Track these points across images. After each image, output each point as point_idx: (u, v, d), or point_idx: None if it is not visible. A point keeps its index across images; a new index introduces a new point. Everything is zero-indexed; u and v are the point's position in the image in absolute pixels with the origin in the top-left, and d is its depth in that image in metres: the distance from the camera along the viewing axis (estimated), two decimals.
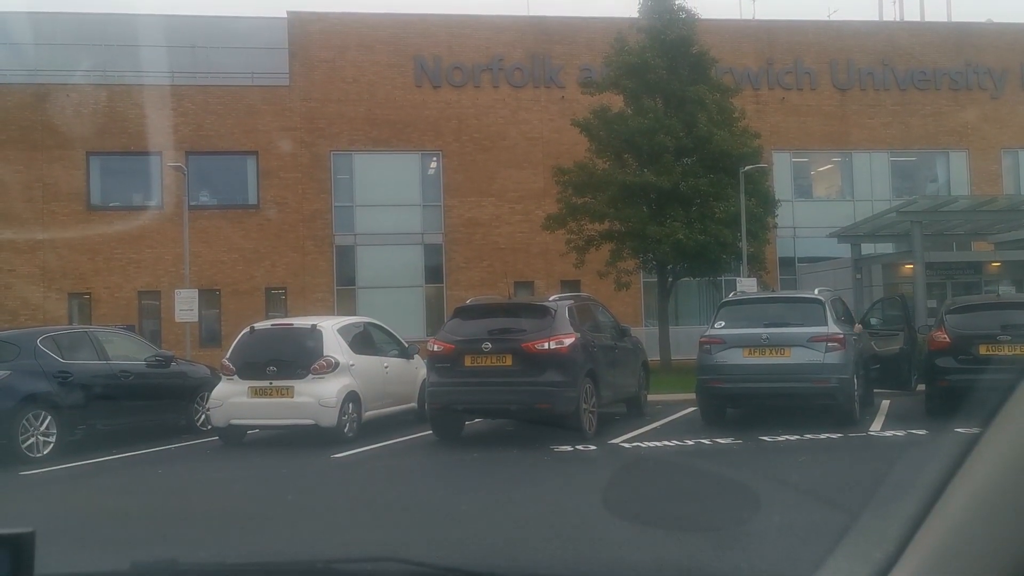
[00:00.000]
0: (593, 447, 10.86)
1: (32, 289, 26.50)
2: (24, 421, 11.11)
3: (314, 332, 12.48)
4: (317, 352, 12.18)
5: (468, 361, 11.42)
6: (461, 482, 9.56)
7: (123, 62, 26.91)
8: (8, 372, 11.24)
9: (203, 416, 13.27)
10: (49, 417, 11.37)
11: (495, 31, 28.98)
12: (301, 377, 12.01)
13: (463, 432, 12.32)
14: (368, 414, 12.59)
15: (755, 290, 20.85)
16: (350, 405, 12.16)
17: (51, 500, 9.14)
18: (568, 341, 11.39)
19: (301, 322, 13.45)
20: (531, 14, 30.64)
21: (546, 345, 11.27)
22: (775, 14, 41.85)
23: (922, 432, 11.06)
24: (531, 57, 29.26)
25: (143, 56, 26.99)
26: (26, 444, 11.06)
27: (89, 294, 26.99)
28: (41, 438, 11.25)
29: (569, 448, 10.73)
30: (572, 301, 12.65)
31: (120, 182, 28.02)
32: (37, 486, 9.80)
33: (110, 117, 26.99)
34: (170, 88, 27.52)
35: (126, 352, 13.41)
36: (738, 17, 33.30)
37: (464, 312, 12.38)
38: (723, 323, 12.71)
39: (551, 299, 12.61)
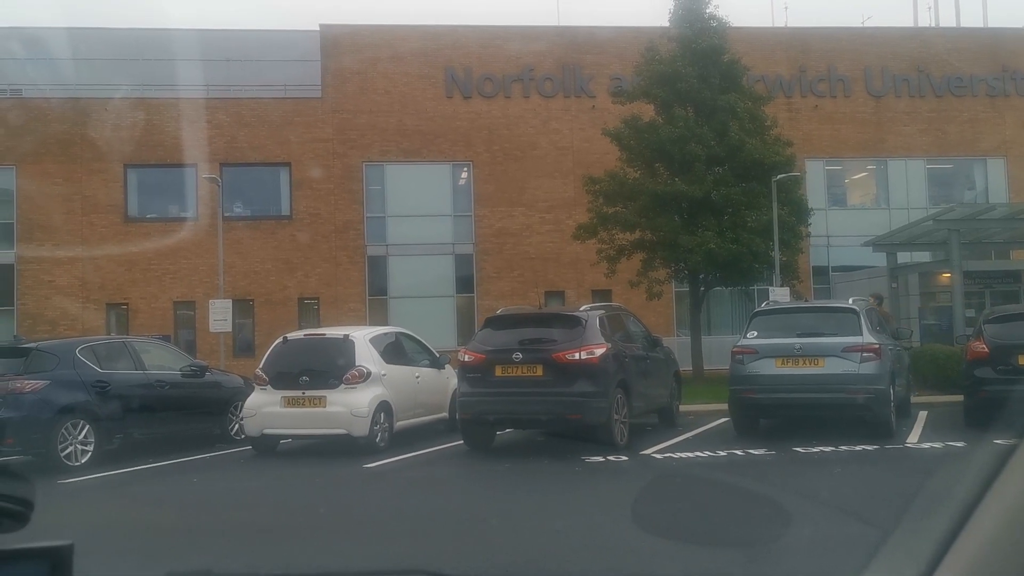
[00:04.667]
0: (624, 458, 10.81)
1: (71, 300, 26.92)
2: (63, 430, 11.29)
3: (346, 342, 12.55)
4: (349, 362, 12.24)
5: (499, 371, 11.41)
6: (492, 493, 9.56)
7: (159, 76, 27.32)
8: (48, 382, 11.42)
9: (237, 426, 13.38)
10: (87, 426, 11.54)
11: (526, 41, 29.05)
12: (333, 387, 12.07)
13: (494, 442, 12.31)
14: (400, 424, 12.63)
15: (788, 299, 20.66)
16: (382, 415, 12.21)
17: (89, 509, 9.27)
18: (599, 351, 11.36)
19: (333, 332, 13.53)
20: (562, 24, 30.66)
21: (577, 355, 11.25)
22: (808, 21, 41.62)
23: (960, 444, 10.89)
24: (562, 67, 29.30)
25: (179, 70, 27.38)
26: (65, 453, 11.23)
27: (126, 305, 27.35)
28: (79, 447, 11.41)
29: (600, 459, 10.69)
30: (603, 311, 12.62)
31: (156, 194, 28.41)
32: (75, 495, 9.94)
33: (147, 131, 27.38)
34: (205, 101, 27.87)
35: (162, 362, 13.57)
36: (770, 25, 33.08)
37: (495, 322, 12.37)
38: (756, 333, 12.61)
39: (582, 309, 12.57)
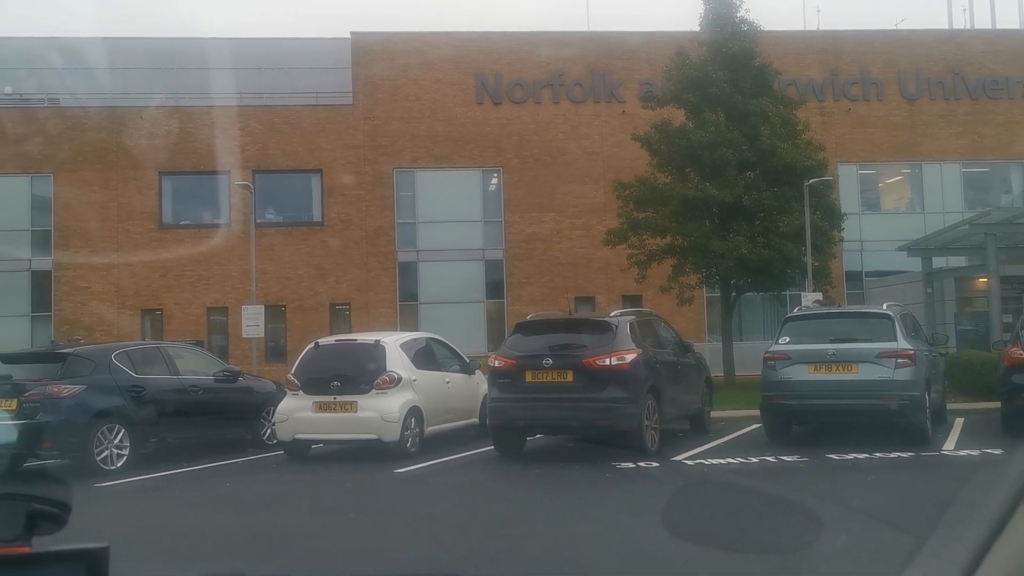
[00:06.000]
0: (655, 464, 10.76)
1: (107, 305, 27.29)
2: (99, 434, 11.43)
3: (377, 348, 12.60)
4: (380, 367, 12.29)
5: (529, 377, 11.41)
6: (522, 498, 9.55)
7: (193, 85, 27.66)
8: (84, 387, 11.58)
9: (269, 430, 13.49)
10: (123, 430, 11.68)
11: (556, 47, 29.06)
12: (364, 392, 12.13)
13: (524, 448, 12.30)
14: (430, 429, 12.65)
15: (821, 304, 20.46)
16: (412, 420, 12.24)
17: (124, 512, 9.38)
18: (630, 357, 11.32)
19: (364, 338, 13.59)
20: (591, 30, 30.65)
21: (607, 361, 11.22)
22: (840, 24, 41.26)
23: (998, 451, 10.72)
24: (592, 72, 29.28)
25: (212, 79, 27.70)
26: (101, 456, 11.37)
27: (161, 310, 27.68)
28: (115, 451, 11.56)
29: (631, 465, 10.65)
30: (633, 316, 12.59)
31: (190, 201, 28.75)
32: (111, 498, 10.06)
33: (181, 138, 27.71)
34: (238, 109, 28.18)
35: (195, 367, 13.71)
36: (802, 28, 32.83)
37: (525, 328, 12.37)
38: (788, 338, 12.50)
39: (612, 314, 12.56)
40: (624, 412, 11.10)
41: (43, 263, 27.73)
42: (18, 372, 11.77)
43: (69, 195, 27.64)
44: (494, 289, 29.03)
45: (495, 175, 29.35)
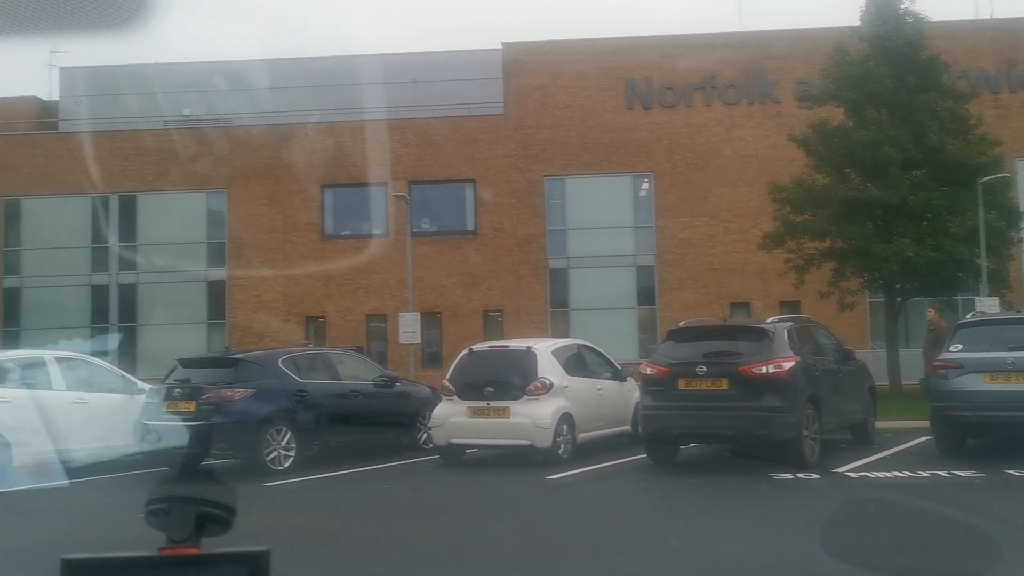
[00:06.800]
0: (816, 476, 10.36)
1: (274, 313, 28.75)
2: (267, 436, 12.03)
3: (529, 354, 12.70)
4: (532, 374, 12.38)
5: (682, 384, 11.22)
6: (674, 508, 9.39)
7: (351, 101, 28.77)
8: (254, 390, 12.21)
9: (425, 435, 13.80)
10: (289, 432, 12.23)
11: (707, 49, 28.55)
12: (517, 398, 12.24)
13: (678, 456, 12.11)
14: (582, 436, 12.63)
15: (997, 310, 19.18)
16: (564, 427, 12.26)
17: (291, 511, 9.84)
18: (787, 365, 10.96)
19: (516, 344, 13.73)
20: (744, 30, 29.92)
21: (764, 369, 10.90)
22: (1016, 12, 38.55)
23: None
24: (745, 73, 28.58)
25: (368, 94, 28.74)
26: (269, 457, 11.95)
27: (323, 318, 28.91)
28: (282, 452, 12.12)
29: (790, 476, 10.29)
30: (791, 323, 12.19)
31: (350, 213, 29.90)
32: (280, 498, 10.57)
33: (340, 152, 28.87)
34: (393, 123, 29.13)
35: (355, 372, 14.21)
36: (973, 17, 30.89)
37: (678, 334, 12.19)
38: (960, 346, 11.77)
39: (769, 321, 12.21)
40: (782, 421, 10.75)
41: (218, 274, 29.50)
42: (195, 376, 12.55)
43: (240, 209, 29.32)
44: (645, 295, 28.76)
45: (646, 180, 29.09)
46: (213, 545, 0.99)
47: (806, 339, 12.14)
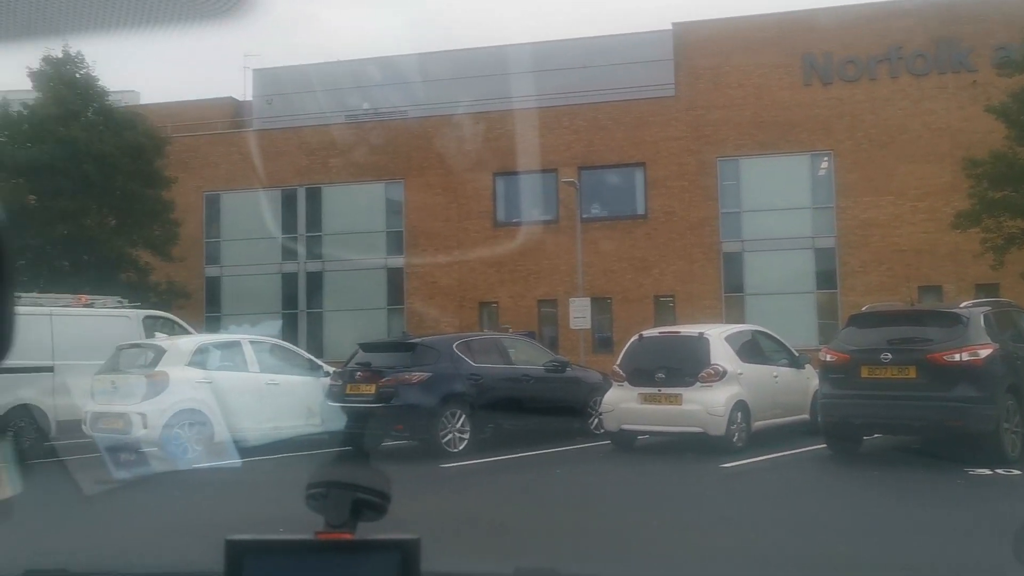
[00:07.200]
0: (1017, 472, 9.62)
1: (449, 299, 29.56)
2: (443, 419, 12.38)
3: (701, 340, 12.47)
4: (704, 360, 12.15)
5: (865, 372, 10.70)
6: (856, 503, 8.96)
7: (521, 89, 29.05)
8: (431, 374, 12.60)
9: (596, 420, 13.81)
10: (464, 415, 12.54)
11: (892, 18, 26.95)
12: (689, 385, 12.05)
13: (860, 447, 11.56)
14: (757, 424, 12.30)
15: None
16: (739, 414, 11.98)
17: (465, 492, 10.09)
18: (984, 352, 10.25)
19: (688, 330, 13.50)
20: None
21: (958, 356, 10.23)
22: None
23: None
24: (935, 42, 26.78)
25: (538, 81, 28.94)
26: (444, 440, 12.30)
27: (496, 303, 29.46)
28: (457, 435, 12.44)
29: (987, 472, 9.61)
30: (989, 307, 11.38)
31: (521, 199, 30.25)
32: (454, 478, 10.86)
33: (511, 140, 29.23)
34: (563, 109, 29.23)
35: (527, 357, 14.39)
36: None
37: (860, 320, 11.63)
38: None
39: (963, 305, 11.45)
40: (978, 413, 10.06)
41: (396, 261, 30.62)
42: (375, 360, 13.08)
43: (417, 198, 30.29)
44: (825, 279, 27.59)
45: (825, 159, 27.85)
46: (368, 531, 1.01)
47: (1006, 325, 11.31)
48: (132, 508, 9.33)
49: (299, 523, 1.15)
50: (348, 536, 1.02)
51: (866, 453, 11.55)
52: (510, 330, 21.97)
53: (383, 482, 1.04)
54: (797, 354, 13.86)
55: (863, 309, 12.31)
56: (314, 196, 31.49)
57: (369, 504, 1.04)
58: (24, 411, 13.01)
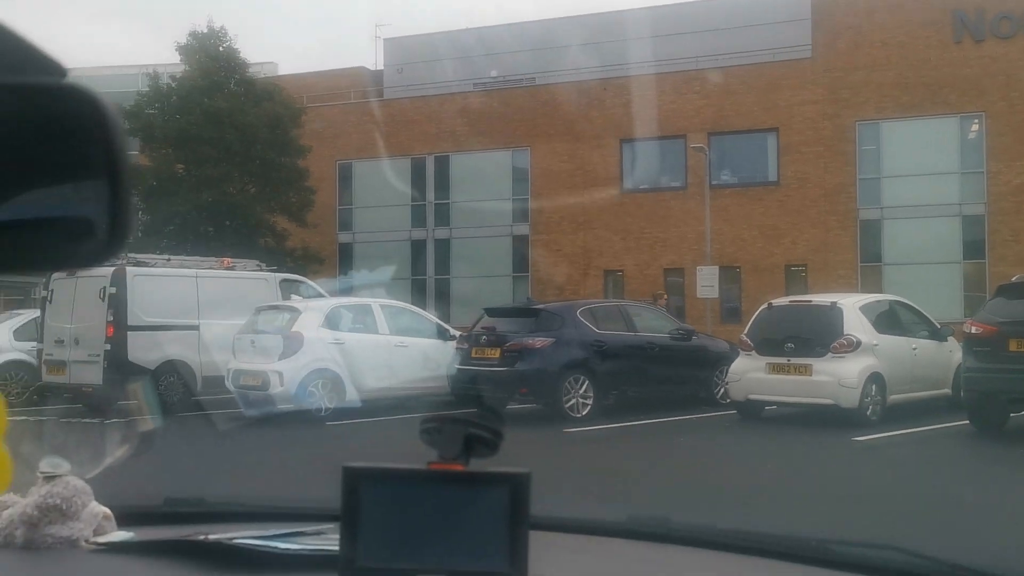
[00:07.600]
0: None
1: (574, 266, 29.53)
2: (566, 384, 12.45)
3: (834, 310, 12.08)
4: (837, 330, 11.77)
5: (1013, 346, 10.17)
6: (998, 481, 8.51)
7: (649, 53, 28.54)
8: (554, 339, 12.67)
9: (722, 389, 13.60)
10: (587, 381, 12.58)
11: None
12: (820, 355, 11.71)
13: (1007, 425, 10.98)
14: (893, 398, 11.86)
15: None
16: (873, 387, 11.58)
17: (586, 452, 10.13)
18: None
19: (820, 299, 13.10)
20: None
21: None
22: None
23: None
24: None
25: (668, 44, 28.36)
26: (568, 405, 12.38)
27: (622, 271, 29.25)
28: (580, 400, 12.50)
29: None
30: None
31: (648, 166, 29.83)
32: (577, 442, 10.93)
33: (638, 106, 28.78)
34: (692, 73, 28.57)
35: (652, 325, 14.27)
36: None
37: (1010, 291, 11.05)
38: None
39: None
40: None
41: (522, 229, 30.77)
42: (500, 325, 13.26)
43: (543, 165, 30.28)
44: (973, 248, 26.14)
45: (976, 121, 26.28)
46: (480, 466, 1.03)
47: None
48: (265, 453, 9.85)
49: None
50: (460, 468, 1.04)
51: (1012, 430, 10.96)
52: (665, 297, 22.07)
53: (497, 421, 1.05)
54: (939, 326, 13.24)
55: (1013, 279, 11.69)
56: (442, 164, 31.93)
57: (482, 440, 1.05)
58: (171, 367, 13.80)
